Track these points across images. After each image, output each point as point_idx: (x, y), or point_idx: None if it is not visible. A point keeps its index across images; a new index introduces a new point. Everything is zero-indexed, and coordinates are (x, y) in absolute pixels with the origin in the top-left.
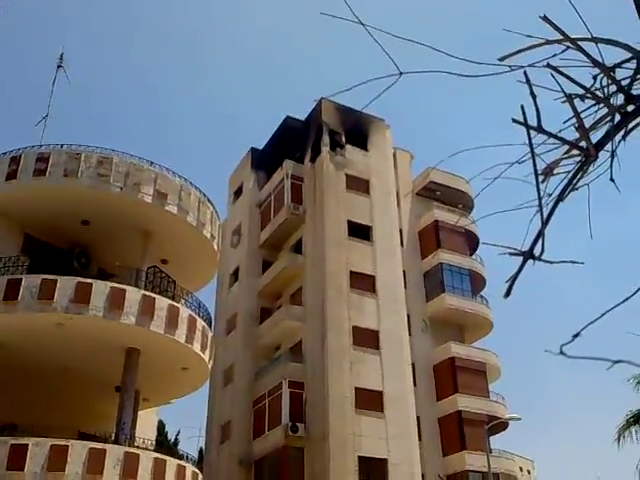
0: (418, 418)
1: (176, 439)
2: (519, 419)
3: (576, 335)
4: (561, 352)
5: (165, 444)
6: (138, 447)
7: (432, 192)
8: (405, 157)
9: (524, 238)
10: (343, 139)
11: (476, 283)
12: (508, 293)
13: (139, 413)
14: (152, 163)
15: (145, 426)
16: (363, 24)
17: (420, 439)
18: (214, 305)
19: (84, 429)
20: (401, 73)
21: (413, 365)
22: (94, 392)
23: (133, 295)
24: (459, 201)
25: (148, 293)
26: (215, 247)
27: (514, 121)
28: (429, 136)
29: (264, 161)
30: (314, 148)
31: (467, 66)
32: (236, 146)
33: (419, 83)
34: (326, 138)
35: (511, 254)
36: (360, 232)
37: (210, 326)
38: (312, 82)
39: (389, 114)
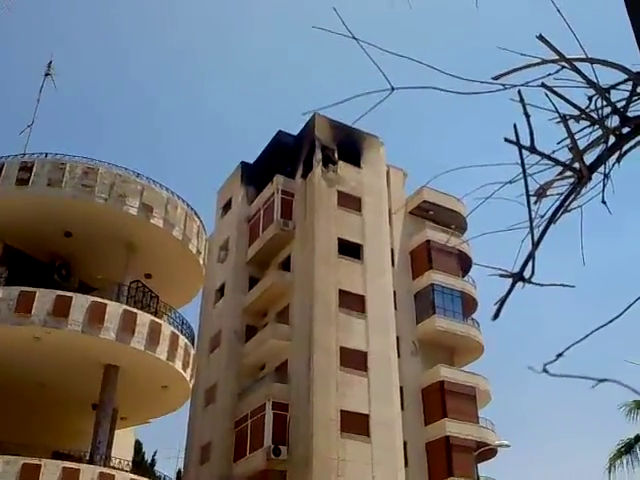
0: (405, 443)
1: (153, 459)
2: (508, 446)
3: (560, 355)
4: (544, 370)
5: (142, 465)
6: (114, 467)
7: (425, 211)
8: (398, 175)
9: (515, 259)
10: (336, 155)
11: (467, 305)
12: (496, 315)
13: (116, 432)
14: (138, 175)
15: (122, 446)
16: (356, 39)
17: (406, 465)
18: (198, 322)
19: (59, 447)
20: (393, 89)
21: (401, 388)
22: (70, 409)
23: (114, 310)
24: (452, 221)
25: (129, 308)
26: (201, 262)
27: (507, 140)
28: (422, 154)
29: (254, 176)
30: (306, 164)
31: (461, 84)
32: (226, 160)
33: (413, 100)
34: (318, 154)
35: (501, 276)
36: (351, 250)
37: (193, 344)
38: (306, 97)
39: (382, 131)
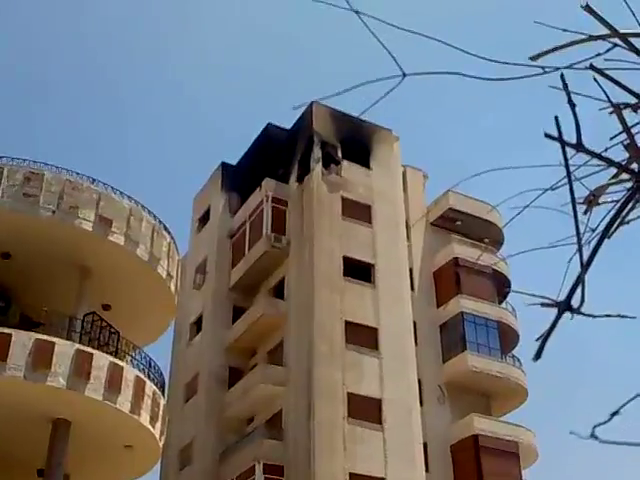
0: None
1: None
2: None
3: (615, 413)
4: (593, 435)
5: None
6: None
7: (451, 222)
8: (417, 177)
9: (562, 283)
10: (339, 153)
11: (506, 338)
12: (538, 355)
13: None
14: (94, 181)
15: None
16: (357, 12)
17: None
18: (169, 364)
19: None
20: (404, 75)
21: (425, 445)
22: (10, 476)
23: (64, 350)
24: (485, 233)
25: (84, 347)
26: (172, 289)
27: (547, 136)
28: (444, 152)
29: (238, 180)
30: (302, 164)
31: (490, 68)
32: (203, 160)
33: (433, 88)
34: (318, 152)
35: (543, 305)
36: (359, 271)
37: (163, 391)
38: (302, 86)
39: (396, 125)
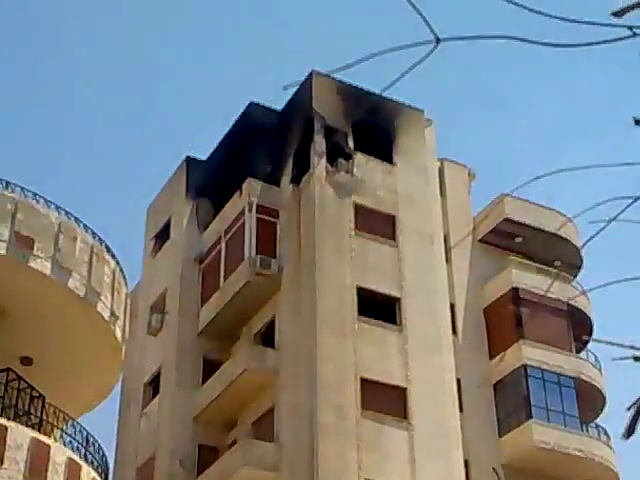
0: None
1: None
2: None
3: None
4: None
5: None
6: None
7: (508, 238)
8: (460, 176)
9: None
10: (350, 143)
11: (587, 402)
12: (631, 431)
13: None
14: (8, 185)
15: None
16: None
17: None
18: (115, 441)
19: None
20: (438, 40)
21: None
22: None
23: None
24: (556, 255)
25: None
26: (118, 334)
27: (638, 123)
28: (488, 145)
29: (210, 181)
30: (299, 159)
31: (556, 29)
32: (162, 157)
33: (470, 63)
34: (320, 141)
35: (637, 359)
36: (380, 309)
37: (107, 478)
38: (299, 55)
39: (429, 108)
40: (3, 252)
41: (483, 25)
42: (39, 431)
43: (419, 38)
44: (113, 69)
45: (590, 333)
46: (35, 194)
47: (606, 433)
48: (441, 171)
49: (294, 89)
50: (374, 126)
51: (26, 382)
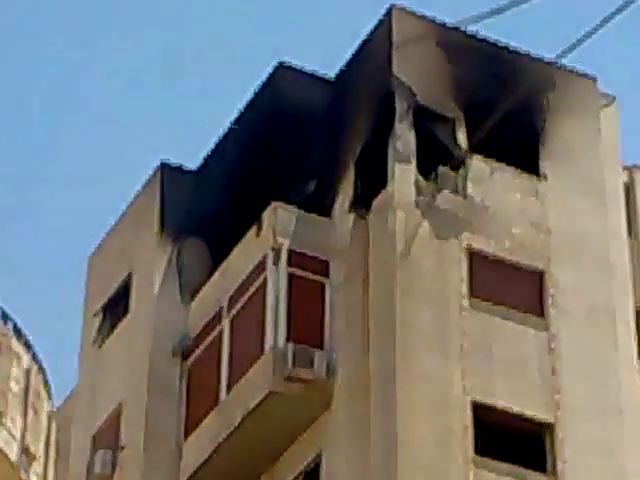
0: None
1: None
2: None
3: None
4: None
5: None
6: None
7: None
8: None
9: None
10: (461, 138)
11: None
12: None
13: None
14: None
15: None
16: None
17: None
18: None
19: None
20: None
21: None
22: None
23: None
24: None
25: None
26: None
27: None
28: None
29: (202, 207)
30: (365, 165)
31: None
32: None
33: None
34: (406, 134)
35: None
36: (516, 443)
37: None
38: None
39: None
40: None
41: None
42: None
43: None
44: None
45: None
46: None
47: None
48: (629, 189)
49: (357, 40)
50: (506, 107)
51: None
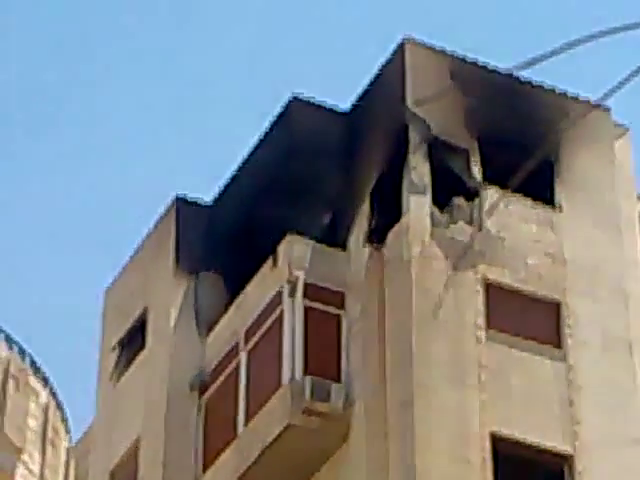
0: None
1: None
2: None
3: None
4: None
5: None
6: None
7: None
8: None
9: None
10: (475, 169)
11: None
12: None
13: None
14: None
15: None
16: None
17: None
18: None
19: None
20: None
21: None
22: None
23: None
24: None
25: None
26: None
27: None
28: None
29: (218, 240)
30: (380, 197)
31: None
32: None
33: None
34: (421, 165)
35: None
36: (536, 475)
37: None
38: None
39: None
40: None
41: None
42: None
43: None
44: None
45: None
46: None
47: None
48: None
49: (370, 73)
50: (520, 138)
51: None
